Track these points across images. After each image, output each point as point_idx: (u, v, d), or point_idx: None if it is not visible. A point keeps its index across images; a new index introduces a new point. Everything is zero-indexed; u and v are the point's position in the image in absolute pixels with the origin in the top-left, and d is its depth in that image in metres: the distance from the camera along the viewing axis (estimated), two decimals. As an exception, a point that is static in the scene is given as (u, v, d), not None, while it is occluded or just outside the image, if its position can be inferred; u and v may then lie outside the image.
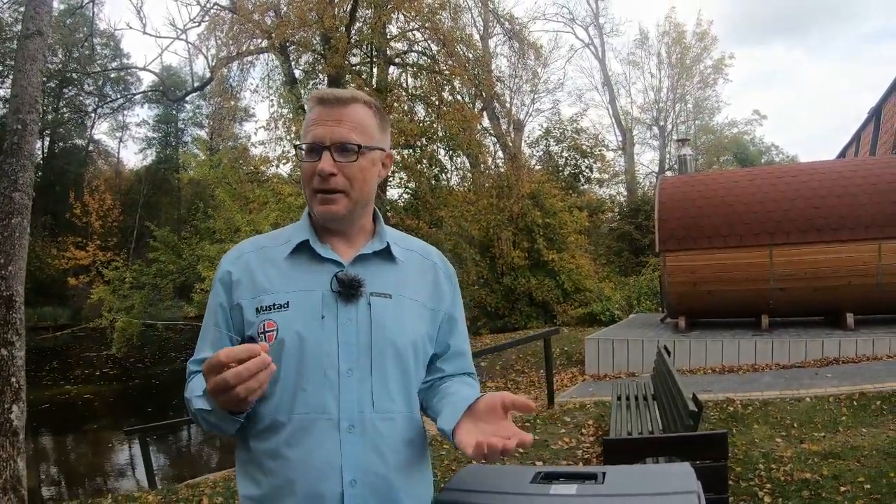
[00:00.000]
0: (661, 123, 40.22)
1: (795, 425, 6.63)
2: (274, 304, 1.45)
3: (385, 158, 1.58)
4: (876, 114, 20.51)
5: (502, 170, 22.40)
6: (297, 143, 1.50)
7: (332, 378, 1.42)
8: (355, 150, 1.46)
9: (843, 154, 25.60)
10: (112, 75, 39.84)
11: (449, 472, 6.13)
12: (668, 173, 31.84)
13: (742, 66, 68.42)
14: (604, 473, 1.57)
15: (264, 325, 1.44)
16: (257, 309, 1.46)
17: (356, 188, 1.48)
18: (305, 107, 1.35)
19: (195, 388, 1.41)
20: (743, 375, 9.61)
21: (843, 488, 4.70)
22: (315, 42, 19.94)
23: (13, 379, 4.57)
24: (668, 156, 39.02)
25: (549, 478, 1.58)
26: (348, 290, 1.45)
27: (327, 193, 1.46)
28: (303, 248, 1.52)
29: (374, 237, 1.58)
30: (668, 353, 7.01)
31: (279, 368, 1.39)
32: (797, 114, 69.81)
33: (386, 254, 1.56)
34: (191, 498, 6.22)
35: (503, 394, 1.36)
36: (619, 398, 7.08)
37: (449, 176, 22.61)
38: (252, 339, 1.44)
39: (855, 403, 7.29)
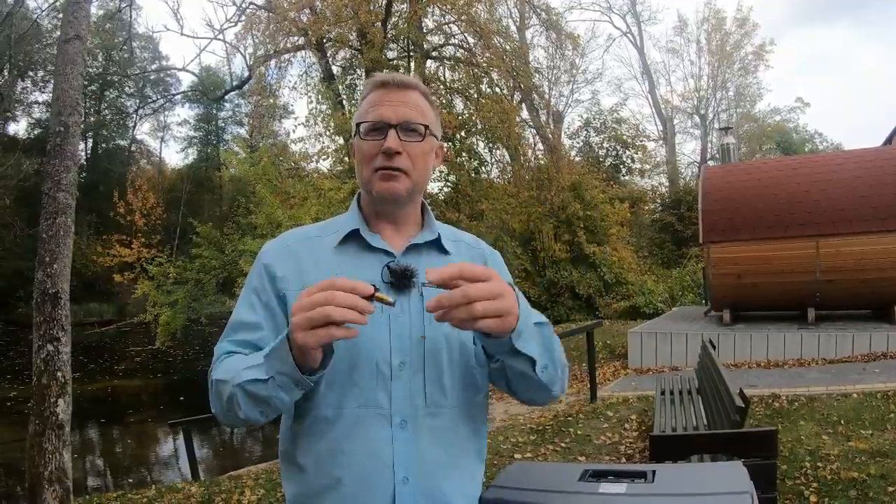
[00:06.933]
0: (703, 112, 39.76)
1: (842, 422, 6.48)
2: None
3: (438, 149, 1.56)
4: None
5: (542, 162, 22.34)
6: (358, 121, 1.47)
7: (385, 372, 1.37)
8: (421, 130, 1.45)
9: (889, 141, 24.90)
10: (152, 77, 40.59)
11: (490, 466, 6.10)
12: (711, 163, 31.36)
13: (789, 52, 66.74)
14: (653, 472, 1.52)
15: None
16: None
17: (418, 170, 1.46)
18: (362, 90, 1.31)
19: (237, 364, 1.33)
20: (788, 370, 9.43)
21: (890, 488, 4.59)
22: (351, 38, 20.05)
23: (59, 374, 4.66)
24: (709, 145, 38.55)
25: (598, 476, 1.54)
26: (400, 280, 1.40)
27: (391, 171, 1.43)
28: (352, 238, 1.48)
29: (425, 228, 1.55)
30: (713, 346, 6.90)
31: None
32: (843, 100, 68.03)
33: (437, 244, 1.53)
34: (233, 489, 6.30)
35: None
36: (662, 392, 6.99)
37: (489, 168, 22.64)
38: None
39: (903, 400, 7.11)
